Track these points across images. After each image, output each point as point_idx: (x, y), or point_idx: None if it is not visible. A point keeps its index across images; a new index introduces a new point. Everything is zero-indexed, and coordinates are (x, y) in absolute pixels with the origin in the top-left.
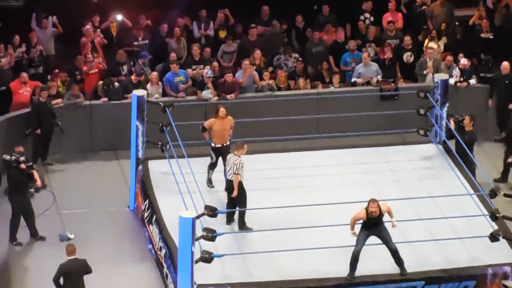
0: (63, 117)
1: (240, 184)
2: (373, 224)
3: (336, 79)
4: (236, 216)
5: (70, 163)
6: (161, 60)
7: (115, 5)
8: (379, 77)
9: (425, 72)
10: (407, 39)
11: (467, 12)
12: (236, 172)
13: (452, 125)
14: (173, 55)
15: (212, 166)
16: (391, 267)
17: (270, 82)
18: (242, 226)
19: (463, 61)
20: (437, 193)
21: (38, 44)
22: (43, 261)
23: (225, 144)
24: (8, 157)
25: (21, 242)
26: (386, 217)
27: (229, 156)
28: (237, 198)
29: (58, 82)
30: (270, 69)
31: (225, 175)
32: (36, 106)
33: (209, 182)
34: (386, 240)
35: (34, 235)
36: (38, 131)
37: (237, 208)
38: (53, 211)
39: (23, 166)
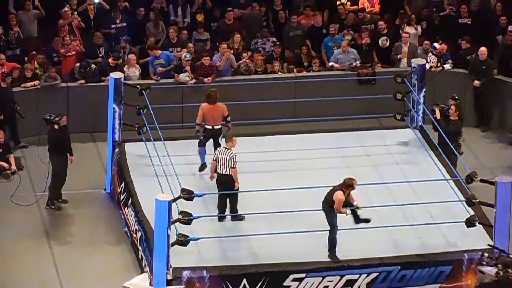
0: (40, 99)
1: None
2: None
3: (315, 63)
4: (228, 208)
5: (47, 145)
6: (139, 42)
7: None
8: (358, 63)
9: (399, 56)
10: (381, 23)
11: None
12: (233, 167)
13: (437, 114)
14: (151, 39)
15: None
16: (367, 252)
17: (247, 61)
18: (236, 217)
19: (436, 45)
20: (413, 178)
21: (15, 26)
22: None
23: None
24: (48, 116)
25: (60, 206)
26: None
27: (220, 150)
28: (227, 188)
29: (35, 64)
30: (249, 53)
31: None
32: None
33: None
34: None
35: (57, 198)
36: (1, 116)
37: (229, 201)
38: (29, 192)
39: (56, 126)
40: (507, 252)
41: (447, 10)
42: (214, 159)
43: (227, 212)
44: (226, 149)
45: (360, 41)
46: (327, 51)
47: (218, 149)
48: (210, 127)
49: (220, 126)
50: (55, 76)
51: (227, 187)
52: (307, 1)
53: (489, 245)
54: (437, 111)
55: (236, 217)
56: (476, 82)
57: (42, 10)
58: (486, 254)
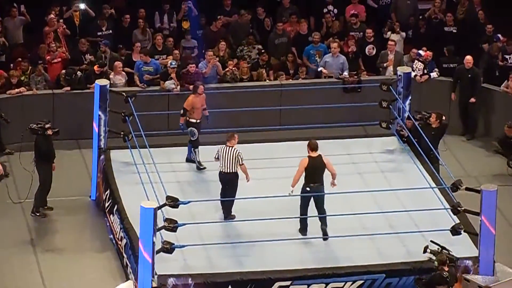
0: (25, 106)
1: (237, 176)
2: (314, 174)
3: (302, 71)
4: (225, 205)
5: (28, 151)
6: (125, 49)
7: None
8: (346, 73)
9: (385, 64)
10: (369, 31)
11: (430, 6)
12: (242, 163)
13: (408, 125)
14: (137, 45)
15: (197, 144)
16: (352, 260)
17: (232, 69)
18: (228, 216)
19: (421, 52)
20: (398, 186)
21: (1, 33)
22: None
23: (199, 120)
24: (34, 125)
25: (45, 213)
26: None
27: (222, 148)
28: (233, 190)
29: (20, 71)
30: (235, 61)
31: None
32: None
33: (200, 164)
34: (320, 202)
35: (42, 205)
36: None
37: (234, 196)
38: (15, 199)
39: (49, 132)
40: (448, 249)
41: (432, 16)
42: (216, 157)
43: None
44: (229, 147)
45: (347, 49)
46: (308, 59)
47: (219, 148)
48: (199, 121)
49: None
50: (42, 75)
51: (230, 185)
52: (290, 9)
53: (431, 241)
54: (407, 123)
55: (228, 217)
56: (453, 95)
57: (28, 16)
58: (428, 250)
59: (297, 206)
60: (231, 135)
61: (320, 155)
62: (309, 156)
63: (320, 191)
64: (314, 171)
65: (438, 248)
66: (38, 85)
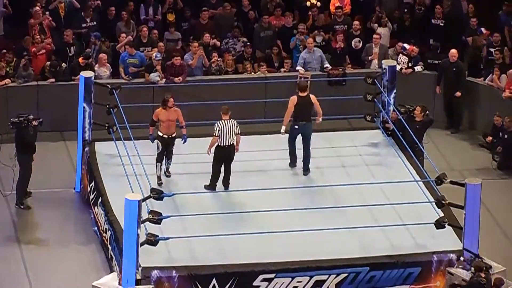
0: (10, 97)
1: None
2: (302, 112)
3: (287, 64)
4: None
5: (12, 145)
6: (110, 41)
7: None
8: (327, 64)
9: (370, 57)
10: (356, 23)
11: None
12: (238, 133)
13: (393, 117)
14: (123, 35)
15: (160, 159)
16: (336, 253)
17: (218, 60)
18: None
19: (406, 45)
20: (383, 179)
21: None
22: None
23: (171, 136)
24: (16, 119)
25: (30, 206)
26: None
27: (222, 123)
28: (232, 159)
29: (5, 62)
30: (216, 55)
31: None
32: None
33: (159, 179)
34: (307, 139)
35: (25, 195)
36: None
37: (226, 173)
38: None
39: (35, 122)
40: (480, 256)
41: (416, 8)
42: (218, 134)
43: (221, 183)
44: (227, 120)
45: (335, 45)
46: (295, 48)
47: (218, 124)
48: (166, 136)
49: (174, 135)
50: (28, 70)
51: (232, 157)
52: (273, 1)
53: (464, 248)
54: (393, 114)
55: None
56: (438, 89)
57: (10, 8)
58: (462, 258)
59: (281, 199)
60: (226, 109)
61: (308, 95)
62: (297, 95)
63: (307, 128)
64: (302, 109)
65: (471, 256)
66: (20, 80)
